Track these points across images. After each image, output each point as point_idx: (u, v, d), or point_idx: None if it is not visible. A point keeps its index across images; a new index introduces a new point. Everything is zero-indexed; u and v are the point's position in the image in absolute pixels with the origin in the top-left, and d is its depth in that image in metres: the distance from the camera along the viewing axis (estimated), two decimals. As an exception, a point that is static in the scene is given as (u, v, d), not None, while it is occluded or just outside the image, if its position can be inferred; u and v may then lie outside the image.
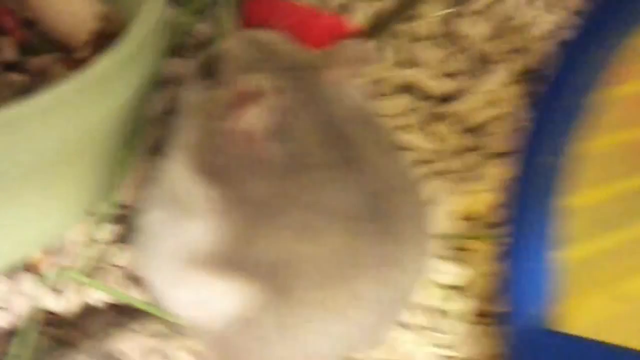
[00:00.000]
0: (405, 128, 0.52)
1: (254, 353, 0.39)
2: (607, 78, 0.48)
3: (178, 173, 0.39)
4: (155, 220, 0.40)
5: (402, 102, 0.52)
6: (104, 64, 0.36)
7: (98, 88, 0.36)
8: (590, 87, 0.48)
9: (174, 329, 0.45)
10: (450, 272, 0.49)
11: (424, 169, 0.50)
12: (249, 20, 0.50)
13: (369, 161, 0.38)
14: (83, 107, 0.36)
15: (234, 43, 0.41)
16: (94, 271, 0.46)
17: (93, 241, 0.46)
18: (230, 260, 0.37)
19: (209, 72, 0.41)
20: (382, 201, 0.38)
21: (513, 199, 0.49)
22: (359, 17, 0.53)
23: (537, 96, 0.52)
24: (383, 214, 0.38)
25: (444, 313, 0.50)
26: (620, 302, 0.48)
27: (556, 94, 0.51)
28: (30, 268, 0.46)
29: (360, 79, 0.41)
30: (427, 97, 0.53)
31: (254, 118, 0.36)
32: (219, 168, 0.38)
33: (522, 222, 0.48)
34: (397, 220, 0.39)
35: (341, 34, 0.49)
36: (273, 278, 0.37)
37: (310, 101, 0.38)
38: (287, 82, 0.38)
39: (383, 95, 0.52)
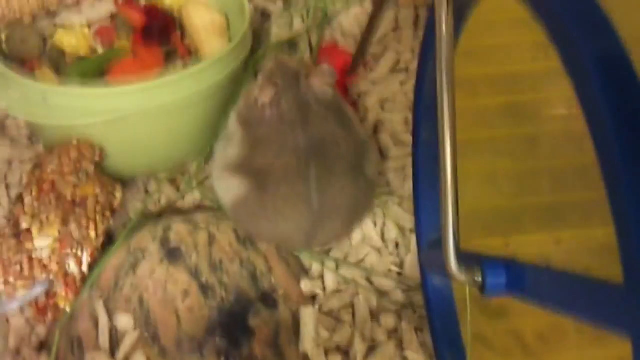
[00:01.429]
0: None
1: (249, 222, 0.73)
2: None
3: (231, 120, 0.75)
4: (219, 146, 0.76)
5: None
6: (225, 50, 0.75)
7: (223, 61, 0.76)
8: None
9: (220, 214, 0.79)
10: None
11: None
12: (319, 57, 0.86)
13: (319, 121, 0.71)
14: (215, 71, 0.76)
15: (271, 62, 0.76)
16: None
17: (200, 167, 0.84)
18: (241, 167, 0.71)
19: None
20: (324, 144, 0.71)
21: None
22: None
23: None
24: (323, 153, 0.71)
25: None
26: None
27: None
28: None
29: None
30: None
31: (266, 95, 0.71)
32: (247, 119, 0.73)
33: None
34: (333, 161, 0.71)
35: (347, 61, 0.83)
36: (260, 178, 0.70)
37: (296, 91, 0.72)
38: (287, 81, 0.73)
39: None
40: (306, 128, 0.70)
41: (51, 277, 0.70)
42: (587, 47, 0.39)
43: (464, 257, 0.51)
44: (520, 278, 0.49)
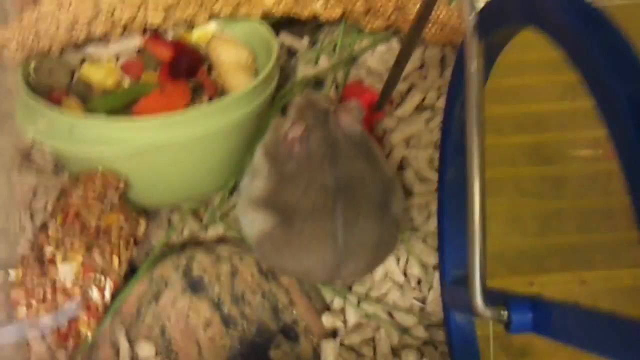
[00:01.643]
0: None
1: (274, 256, 0.73)
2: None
3: (258, 154, 0.75)
4: (245, 180, 0.76)
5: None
6: (251, 85, 0.77)
7: (250, 95, 0.77)
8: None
9: (243, 246, 0.79)
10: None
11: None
12: (344, 95, 0.87)
13: (347, 157, 0.72)
14: (240, 106, 0.77)
15: (299, 98, 0.77)
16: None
17: (224, 200, 0.84)
18: (267, 201, 0.71)
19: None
20: (352, 181, 0.71)
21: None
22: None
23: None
24: (350, 190, 0.71)
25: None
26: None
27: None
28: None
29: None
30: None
31: (296, 130, 0.71)
32: (274, 154, 0.73)
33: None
34: (360, 198, 0.71)
35: (372, 99, 0.84)
36: (286, 213, 0.70)
37: (324, 127, 0.72)
38: (316, 117, 0.73)
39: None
40: (334, 164, 0.71)
41: (74, 304, 0.70)
42: (622, 89, 0.40)
43: (489, 295, 0.51)
44: (546, 316, 0.49)
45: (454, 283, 0.69)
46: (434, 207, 0.79)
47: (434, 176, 0.80)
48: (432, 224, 0.80)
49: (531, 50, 0.65)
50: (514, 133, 0.74)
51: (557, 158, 0.75)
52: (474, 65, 0.53)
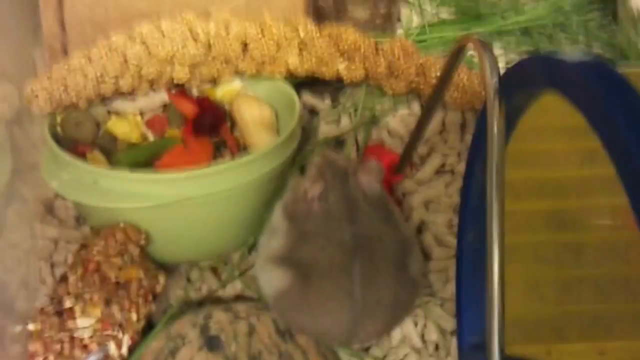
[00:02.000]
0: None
1: (291, 315, 0.73)
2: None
3: (277, 212, 0.76)
4: (263, 238, 0.77)
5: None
6: (273, 144, 0.78)
7: (272, 153, 0.78)
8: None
9: (261, 305, 0.79)
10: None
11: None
12: (365, 156, 0.87)
13: (365, 217, 0.72)
14: (262, 164, 0.78)
15: (319, 158, 0.77)
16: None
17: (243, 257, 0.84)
18: (285, 259, 0.72)
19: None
20: (370, 241, 0.71)
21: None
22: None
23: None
24: (368, 250, 0.71)
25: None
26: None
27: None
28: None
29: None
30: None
31: (315, 189, 0.72)
32: (293, 212, 0.74)
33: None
34: (378, 258, 0.71)
35: (393, 161, 0.84)
36: (304, 271, 0.71)
37: (344, 186, 0.73)
38: (336, 176, 0.74)
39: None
40: (353, 224, 0.71)
41: (91, 358, 0.70)
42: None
43: (507, 361, 0.50)
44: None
45: (472, 349, 0.68)
46: (452, 272, 0.79)
47: (452, 240, 0.80)
48: (450, 289, 0.79)
49: (551, 116, 0.65)
50: (533, 199, 0.74)
51: (576, 225, 0.74)
52: (495, 128, 0.54)
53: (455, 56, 0.66)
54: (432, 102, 0.74)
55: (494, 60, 0.57)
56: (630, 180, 0.41)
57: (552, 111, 0.59)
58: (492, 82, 0.55)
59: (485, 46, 0.58)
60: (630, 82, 0.44)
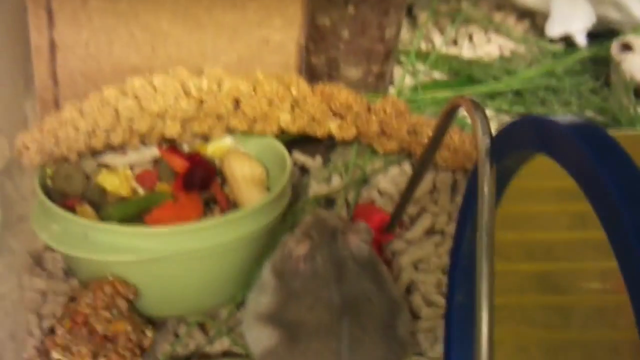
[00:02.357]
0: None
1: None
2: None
3: (265, 270, 0.75)
4: (252, 295, 0.76)
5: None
6: (263, 201, 0.78)
7: (262, 211, 0.78)
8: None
9: None
10: None
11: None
12: (355, 215, 0.87)
13: (353, 278, 0.72)
14: (251, 220, 0.78)
15: (308, 216, 0.77)
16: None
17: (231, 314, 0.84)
18: (273, 318, 0.72)
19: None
20: (358, 302, 0.71)
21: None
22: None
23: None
24: (356, 310, 0.71)
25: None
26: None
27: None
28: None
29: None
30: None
31: (301, 248, 0.72)
32: (281, 271, 0.73)
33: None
34: (366, 318, 0.71)
35: (383, 220, 0.84)
36: (291, 330, 0.70)
37: (332, 246, 0.73)
38: (324, 236, 0.74)
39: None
40: (340, 284, 0.71)
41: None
42: (634, 219, 0.40)
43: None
44: None
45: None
46: (440, 332, 0.79)
47: (441, 300, 0.80)
48: (439, 349, 0.79)
49: (542, 178, 0.65)
50: (523, 261, 0.74)
51: (565, 288, 0.74)
52: (485, 188, 0.54)
53: (447, 116, 0.67)
54: (422, 162, 0.74)
55: (486, 121, 0.57)
56: (620, 244, 0.41)
57: (543, 173, 0.59)
58: (484, 142, 0.56)
59: (477, 107, 0.58)
60: (621, 145, 0.45)
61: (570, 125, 0.48)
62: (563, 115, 0.50)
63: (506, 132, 0.57)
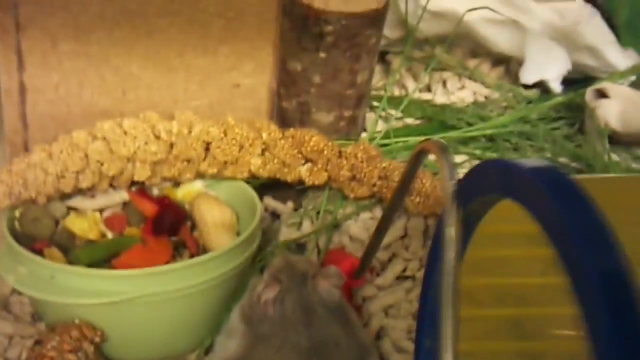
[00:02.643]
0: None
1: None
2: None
3: (234, 314, 0.75)
4: (220, 339, 0.76)
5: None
6: (232, 245, 0.77)
7: (231, 255, 0.78)
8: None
9: None
10: None
11: None
12: (325, 261, 0.87)
13: (322, 323, 0.71)
14: (220, 264, 0.77)
15: (277, 260, 0.77)
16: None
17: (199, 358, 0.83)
18: (239, 362, 0.72)
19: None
20: (326, 347, 0.70)
21: None
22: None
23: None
24: (324, 356, 0.70)
25: None
26: None
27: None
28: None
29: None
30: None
31: (269, 292, 0.71)
32: (249, 315, 0.73)
33: None
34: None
35: (353, 265, 0.83)
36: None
37: (301, 291, 0.72)
38: (293, 280, 0.73)
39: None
40: (309, 329, 0.70)
41: None
42: (595, 265, 0.40)
43: None
44: None
45: None
46: (410, 378, 0.78)
47: (411, 346, 0.79)
48: (408, 395, 0.78)
49: (514, 222, 0.65)
50: (494, 306, 0.74)
51: (536, 334, 0.74)
52: (451, 232, 0.54)
53: (415, 160, 0.67)
54: (391, 206, 0.74)
55: (452, 164, 0.57)
56: (581, 288, 0.40)
57: (514, 217, 0.59)
58: (449, 185, 0.55)
59: (443, 150, 0.58)
60: (584, 189, 0.45)
61: (532, 168, 0.48)
62: (526, 159, 0.50)
63: (471, 176, 0.57)
